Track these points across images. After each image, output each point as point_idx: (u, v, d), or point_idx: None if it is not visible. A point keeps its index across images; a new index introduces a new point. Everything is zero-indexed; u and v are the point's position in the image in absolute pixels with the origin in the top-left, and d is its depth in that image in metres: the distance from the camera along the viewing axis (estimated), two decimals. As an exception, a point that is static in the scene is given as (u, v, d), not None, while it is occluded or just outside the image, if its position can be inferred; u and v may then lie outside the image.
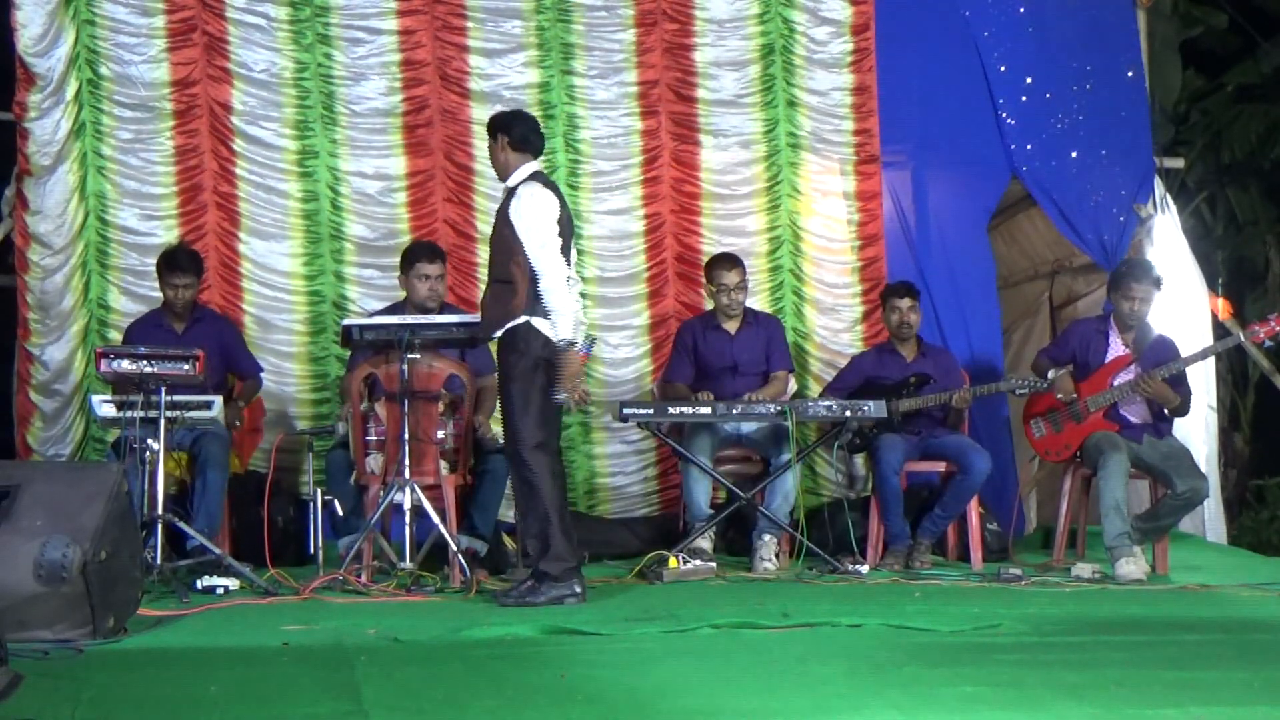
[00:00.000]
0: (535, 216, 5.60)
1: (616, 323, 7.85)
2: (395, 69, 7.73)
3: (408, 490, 5.95)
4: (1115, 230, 8.14)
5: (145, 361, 5.98)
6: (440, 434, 6.20)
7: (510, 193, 5.71)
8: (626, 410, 6.62)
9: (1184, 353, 6.80)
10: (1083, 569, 6.38)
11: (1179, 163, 9.40)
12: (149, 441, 5.91)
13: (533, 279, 5.56)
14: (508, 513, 6.76)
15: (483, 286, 7.14)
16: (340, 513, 6.28)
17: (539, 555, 5.52)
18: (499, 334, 5.67)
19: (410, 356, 6.06)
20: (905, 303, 7.22)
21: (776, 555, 6.80)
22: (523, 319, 5.57)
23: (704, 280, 7.42)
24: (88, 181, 7.44)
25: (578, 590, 5.49)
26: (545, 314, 5.55)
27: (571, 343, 5.52)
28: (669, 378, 7.34)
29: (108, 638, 4.53)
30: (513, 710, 3.53)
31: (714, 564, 6.52)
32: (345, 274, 7.65)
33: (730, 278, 7.16)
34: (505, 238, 5.66)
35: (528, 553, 5.71)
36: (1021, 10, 8.25)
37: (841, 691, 3.72)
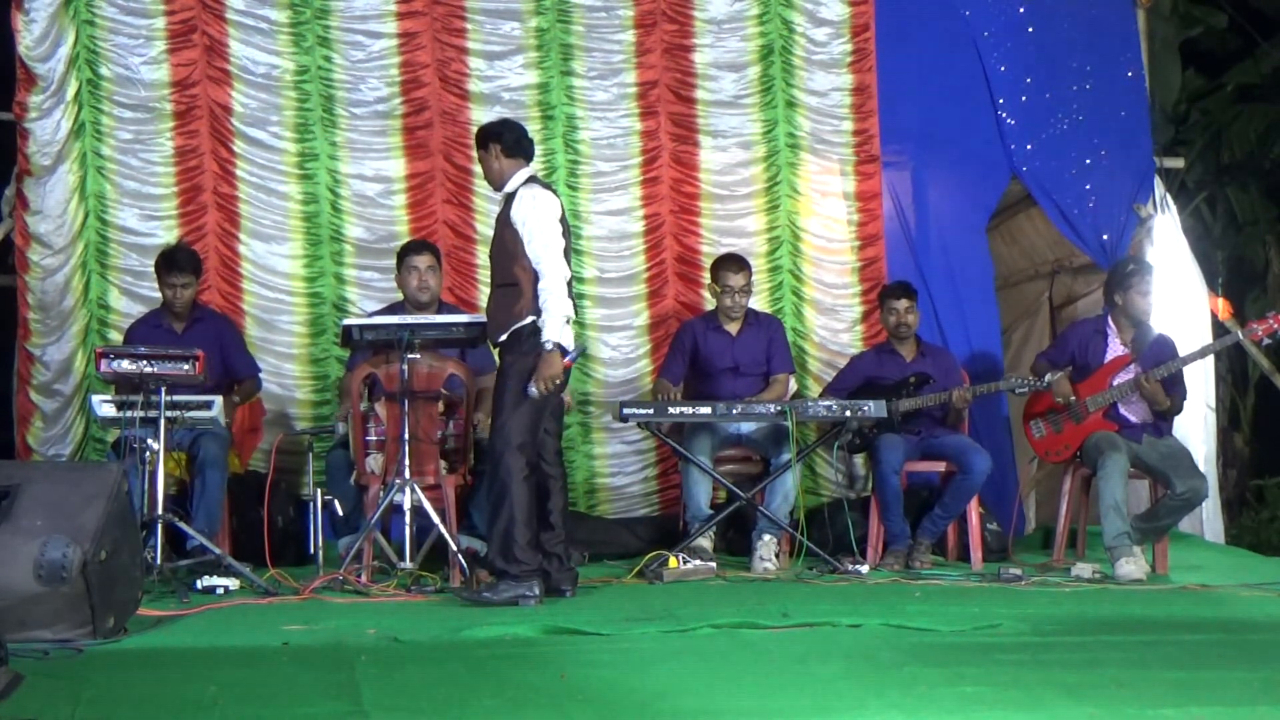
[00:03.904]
0: (539, 217, 5.62)
1: (616, 323, 7.85)
2: (395, 71, 7.72)
3: (408, 490, 5.96)
4: (1115, 230, 8.13)
5: (145, 361, 5.98)
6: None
7: (510, 197, 5.73)
8: (626, 410, 6.62)
9: (1182, 353, 6.80)
10: (1083, 569, 6.38)
11: (1179, 163, 9.39)
12: (149, 441, 5.91)
13: (537, 279, 5.57)
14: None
15: (483, 287, 7.18)
16: (340, 513, 6.28)
17: (499, 554, 5.52)
18: (504, 337, 5.67)
19: (410, 356, 6.07)
20: (902, 304, 7.22)
21: (776, 555, 6.80)
22: (529, 319, 5.58)
23: (709, 280, 7.41)
24: (88, 182, 7.45)
25: (536, 592, 5.49)
26: None
27: (558, 345, 5.52)
28: (659, 375, 7.36)
29: (108, 638, 4.53)
30: (513, 710, 3.53)
31: (714, 564, 6.52)
32: (345, 276, 7.65)
33: (737, 280, 7.16)
34: (508, 241, 5.67)
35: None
36: (1021, 10, 8.25)
37: (841, 691, 3.72)
